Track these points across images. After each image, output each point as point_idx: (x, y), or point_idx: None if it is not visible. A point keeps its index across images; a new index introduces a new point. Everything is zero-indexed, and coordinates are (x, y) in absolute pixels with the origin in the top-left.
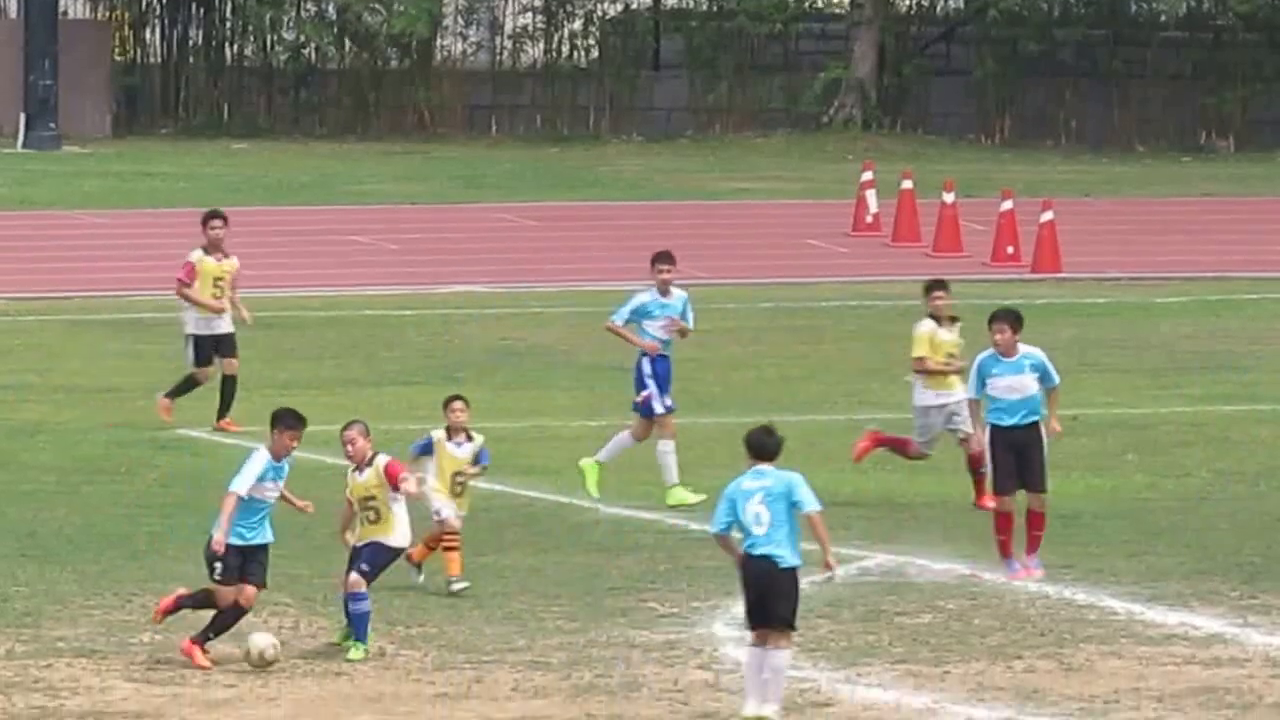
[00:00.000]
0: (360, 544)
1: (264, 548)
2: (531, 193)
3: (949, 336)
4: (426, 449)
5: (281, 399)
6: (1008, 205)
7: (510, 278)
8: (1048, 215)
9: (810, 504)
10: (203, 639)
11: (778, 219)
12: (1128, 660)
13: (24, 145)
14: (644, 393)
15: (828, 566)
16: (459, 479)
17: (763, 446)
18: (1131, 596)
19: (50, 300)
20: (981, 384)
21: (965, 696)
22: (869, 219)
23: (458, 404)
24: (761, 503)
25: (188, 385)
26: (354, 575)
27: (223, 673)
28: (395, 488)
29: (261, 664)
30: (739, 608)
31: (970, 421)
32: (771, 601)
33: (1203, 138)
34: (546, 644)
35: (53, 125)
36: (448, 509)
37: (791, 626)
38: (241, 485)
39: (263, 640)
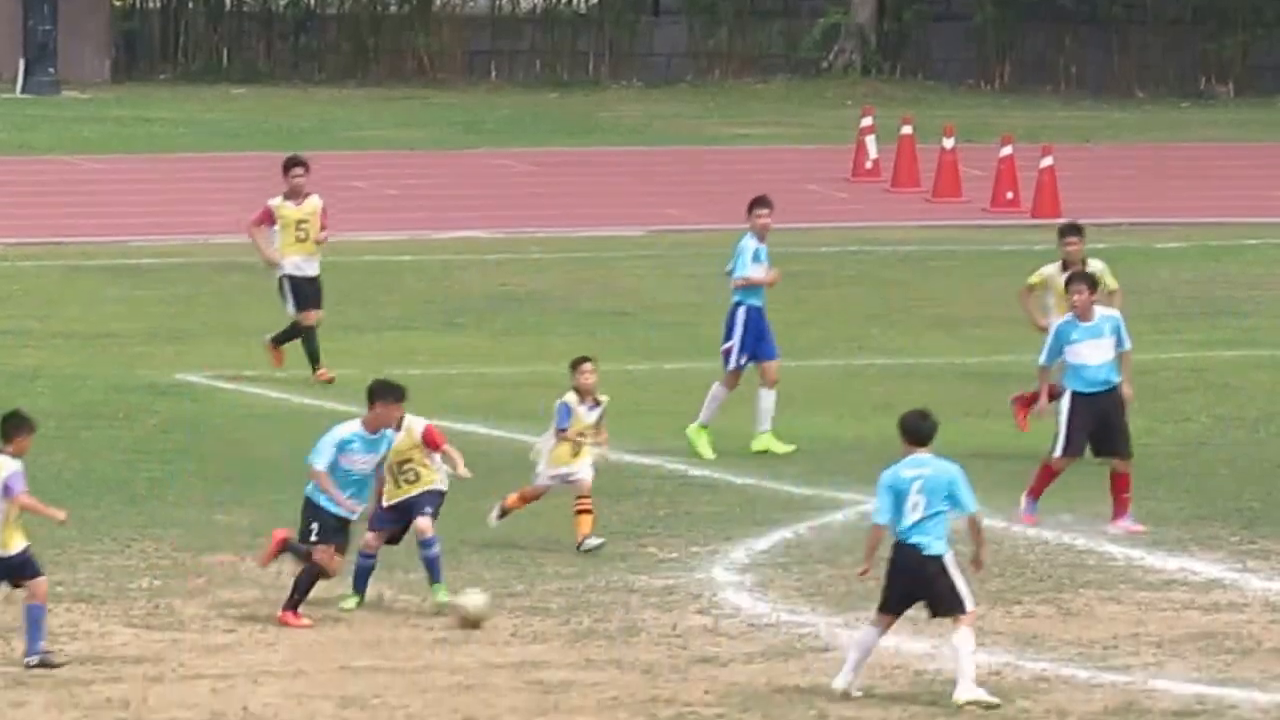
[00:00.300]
0: (410, 497)
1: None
2: (531, 138)
3: None
4: (569, 418)
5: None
6: (1007, 151)
7: (510, 223)
8: (1047, 161)
9: (971, 505)
10: (292, 606)
11: (777, 164)
12: (1127, 605)
13: (23, 90)
14: (727, 344)
15: (978, 565)
16: (580, 439)
17: (918, 431)
18: (1131, 542)
19: (49, 246)
20: (1059, 350)
21: None
22: (868, 164)
23: (587, 365)
24: (920, 492)
25: (310, 339)
26: (424, 520)
27: (221, 618)
28: (436, 448)
29: (472, 623)
30: (737, 553)
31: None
32: (922, 593)
33: (1202, 83)
34: (545, 589)
35: (52, 70)
36: (545, 475)
37: (960, 610)
38: (319, 460)
39: (476, 599)
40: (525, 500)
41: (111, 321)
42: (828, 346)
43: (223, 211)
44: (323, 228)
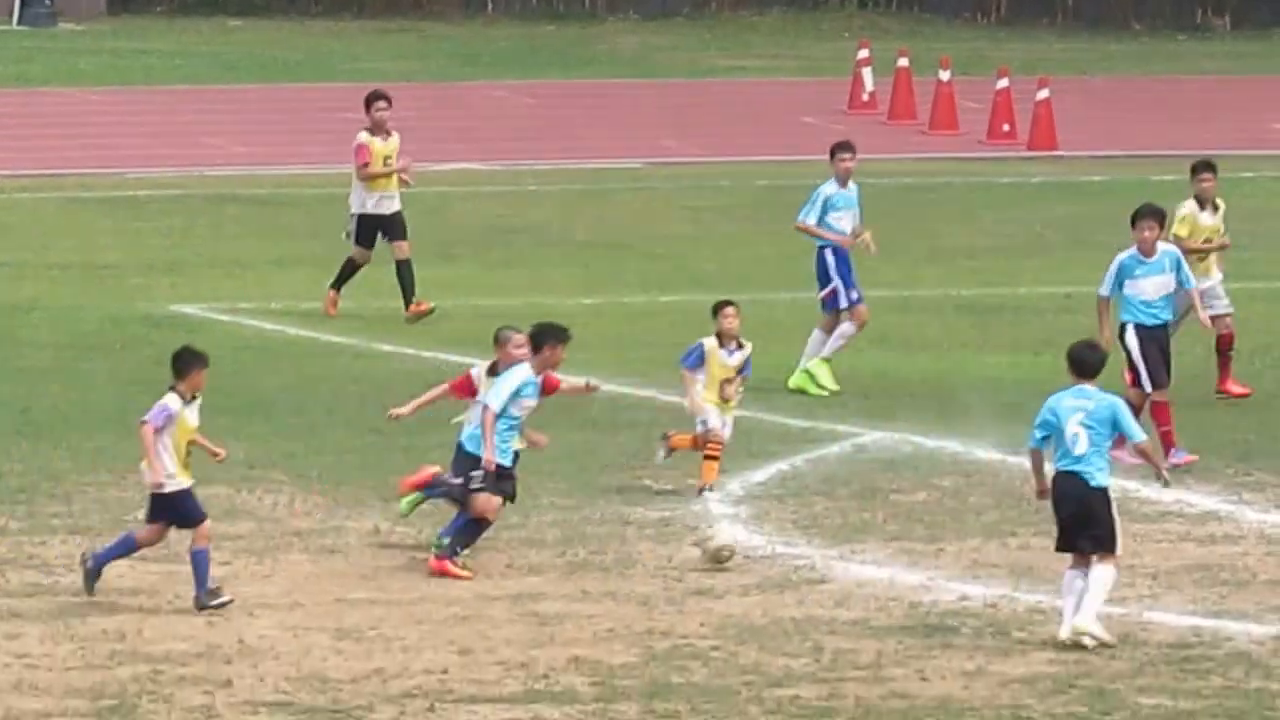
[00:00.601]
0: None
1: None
2: (528, 71)
3: (1210, 221)
4: (700, 360)
5: (279, 275)
6: (1004, 83)
7: (506, 155)
8: (1044, 93)
9: (1137, 436)
10: (451, 553)
11: (773, 97)
12: (1122, 537)
13: (19, 22)
14: (829, 287)
15: (1162, 476)
16: (727, 389)
17: (1084, 363)
18: (1126, 474)
19: (46, 178)
20: (1119, 284)
21: (960, 574)
22: (865, 97)
23: (730, 309)
24: (1081, 424)
25: (349, 270)
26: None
27: (217, 550)
28: (553, 392)
29: (718, 561)
30: (733, 485)
31: (1208, 306)
32: (1084, 523)
33: (1199, 16)
34: (541, 521)
35: (48, 2)
36: (714, 418)
37: (1111, 550)
38: (496, 401)
39: (724, 537)
40: (715, 459)
41: (108, 253)
42: None
43: (219, 144)
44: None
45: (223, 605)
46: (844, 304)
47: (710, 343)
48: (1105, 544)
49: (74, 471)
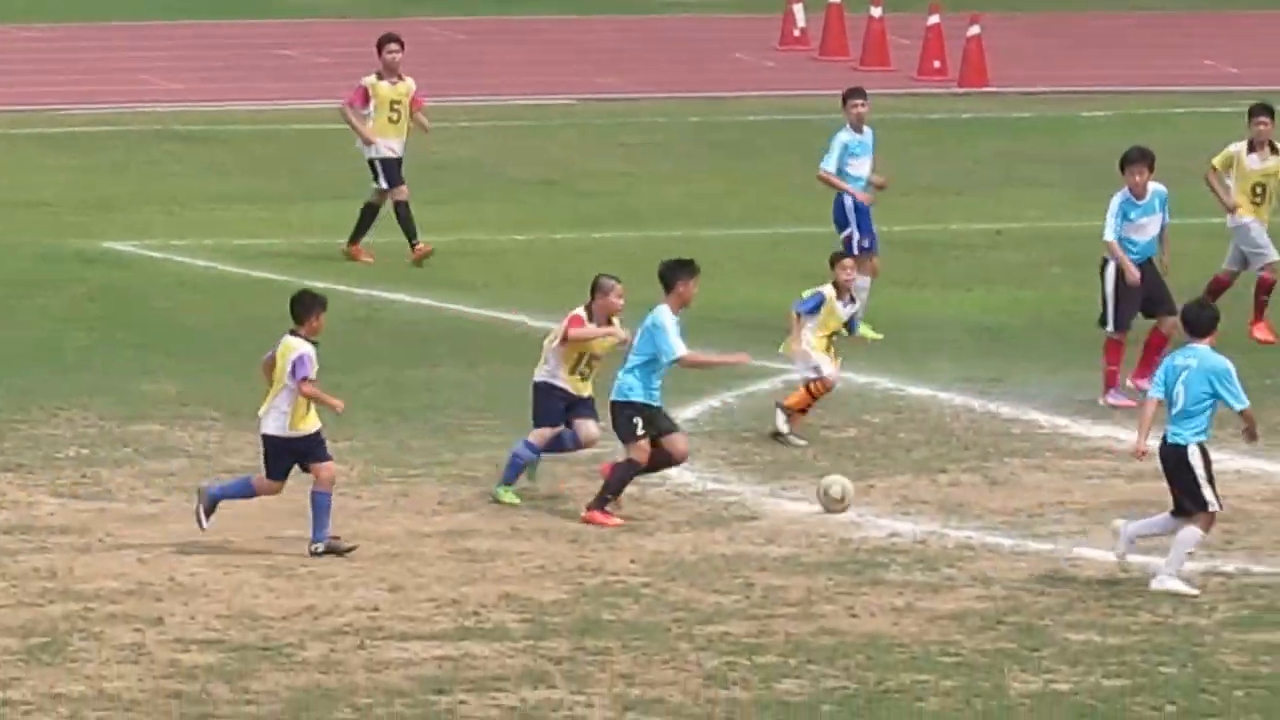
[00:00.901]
0: (582, 397)
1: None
2: (462, 7)
3: (1258, 165)
4: (817, 308)
5: (213, 212)
6: (934, 19)
7: (440, 92)
8: (974, 29)
9: (1236, 402)
10: (600, 504)
11: (705, 32)
12: (1052, 474)
13: None
14: (845, 231)
15: (1254, 437)
16: (833, 339)
17: (1193, 321)
18: (1056, 410)
19: None
20: (1121, 227)
21: (890, 510)
22: (796, 32)
23: (848, 261)
24: (1182, 383)
25: (407, 220)
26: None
27: (148, 487)
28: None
29: (835, 504)
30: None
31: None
32: (1169, 481)
33: None
34: (473, 458)
35: None
36: (827, 366)
37: (1200, 510)
38: (679, 345)
39: (839, 483)
40: (815, 396)
41: (41, 190)
42: (754, 216)
43: (154, 81)
44: (415, 109)
45: (346, 551)
46: (855, 251)
47: (830, 292)
48: (1190, 503)
49: (5, 409)
